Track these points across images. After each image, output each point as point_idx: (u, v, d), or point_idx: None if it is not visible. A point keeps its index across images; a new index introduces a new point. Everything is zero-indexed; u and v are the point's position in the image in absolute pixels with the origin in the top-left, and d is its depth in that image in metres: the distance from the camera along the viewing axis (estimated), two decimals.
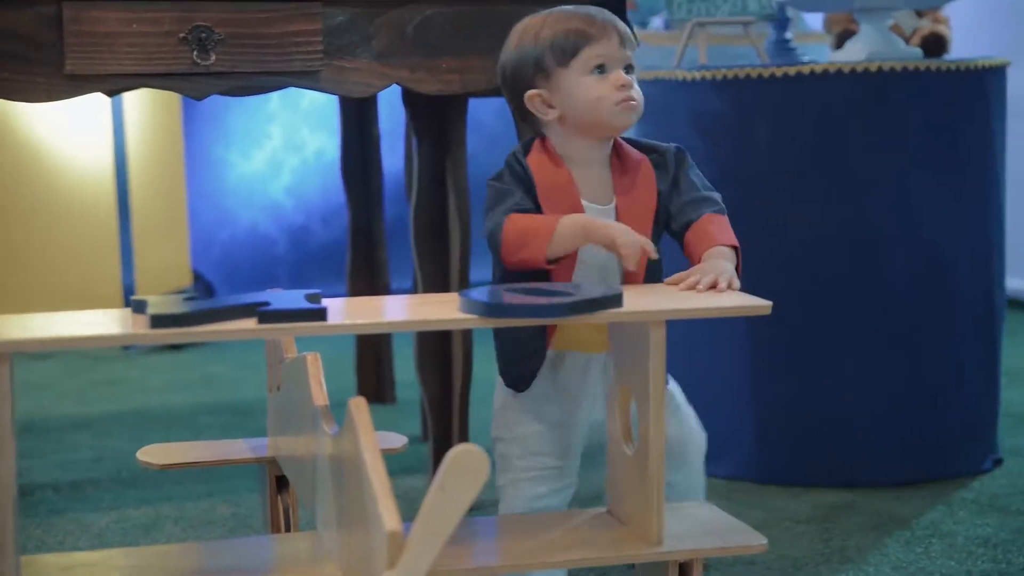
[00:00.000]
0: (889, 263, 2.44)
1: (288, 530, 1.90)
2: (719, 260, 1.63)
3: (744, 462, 2.50)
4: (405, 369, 3.12)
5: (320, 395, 1.56)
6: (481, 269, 3.52)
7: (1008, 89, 2.55)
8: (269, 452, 1.91)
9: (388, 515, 1.24)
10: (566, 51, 1.64)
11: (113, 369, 3.60)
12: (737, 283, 1.59)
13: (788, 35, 2.89)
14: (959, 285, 2.49)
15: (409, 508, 1.24)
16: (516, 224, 1.62)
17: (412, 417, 2.90)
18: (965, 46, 3.52)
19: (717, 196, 1.71)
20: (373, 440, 1.32)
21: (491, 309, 1.47)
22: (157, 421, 3.04)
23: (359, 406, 1.36)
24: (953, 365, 2.50)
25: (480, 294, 1.51)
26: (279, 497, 1.92)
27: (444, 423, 2.46)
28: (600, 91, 1.63)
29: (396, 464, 2.53)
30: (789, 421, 2.49)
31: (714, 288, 1.56)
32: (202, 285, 4.16)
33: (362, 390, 3.05)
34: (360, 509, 1.32)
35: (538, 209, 1.65)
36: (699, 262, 1.64)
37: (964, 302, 2.50)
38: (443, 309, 1.53)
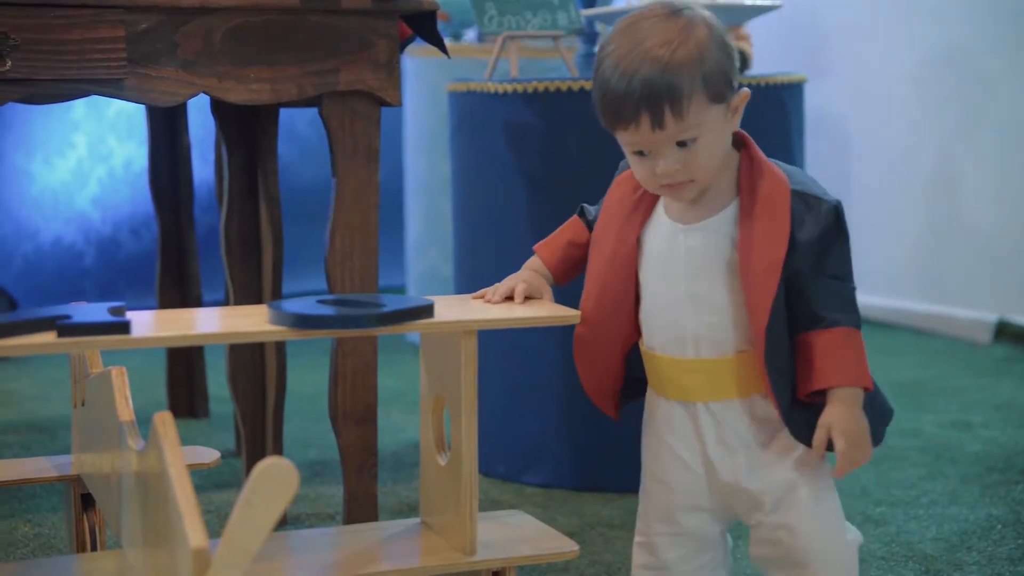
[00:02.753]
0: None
1: (94, 550, 1.85)
2: (852, 419, 1.43)
3: (558, 469, 2.53)
4: (219, 383, 3.07)
5: (126, 410, 1.52)
6: (294, 281, 3.49)
7: (806, 104, 2.65)
8: (73, 470, 1.86)
9: (193, 531, 1.22)
10: (606, 125, 1.49)
11: None
12: (869, 453, 1.45)
13: (597, 49, 2.94)
14: None
15: (223, 524, 1.22)
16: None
17: (226, 431, 2.86)
18: (766, 62, 3.63)
19: (854, 293, 1.47)
20: (179, 455, 1.30)
21: (300, 320, 1.47)
22: None
23: (164, 420, 1.34)
24: None
25: (291, 306, 1.50)
26: (84, 516, 1.87)
27: (257, 437, 2.43)
28: (642, 173, 1.48)
29: (209, 479, 2.48)
30: (601, 429, 2.53)
31: None
32: (4, 299, 4.02)
33: (173, 405, 2.99)
34: (166, 526, 1.29)
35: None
36: (819, 385, 1.43)
37: None
38: (252, 321, 1.51)
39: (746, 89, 1.46)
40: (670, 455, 1.53)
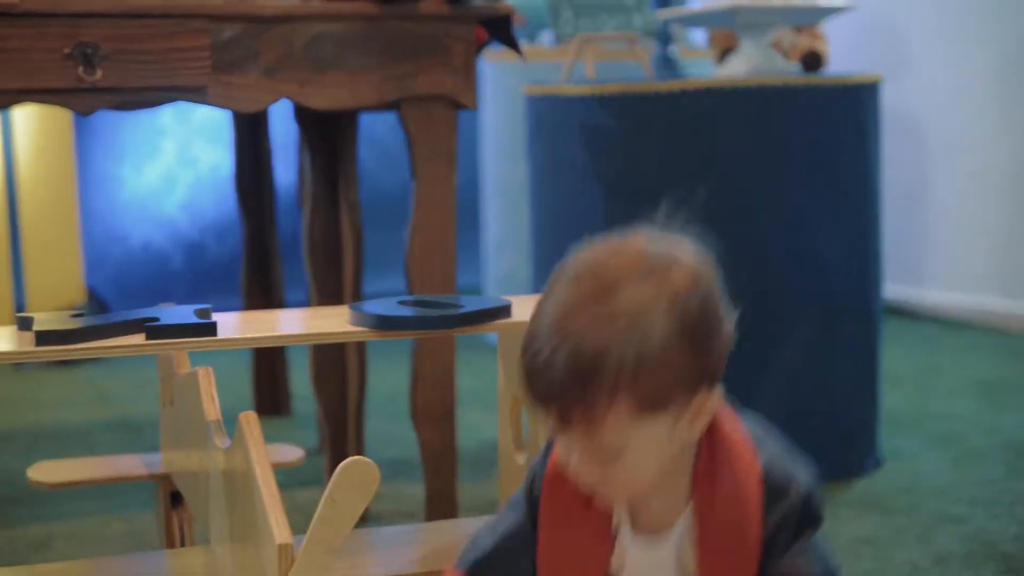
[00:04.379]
0: (769, 272, 2.49)
1: (183, 545, 1.90)
2: None
3: None
4: (302, 382, 3.13)
5: (212, 409, 1.57)
6: (375, 283, 3.53)
7: (882, 103, 2.64)
8: (163, 468, 1.91)
9: (278, 528, 1.26)
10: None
11: (4, 386, 3.55)
12: None
13: (673, 50, 2.95)
14: (838, 291, 2.55)
15: (307, 521, 1.25)
16: None
17: (309, 429, 2.91)
18: (842, 62, 3.62)
19: None
20: (264, 453, 1.34)
21: (381, 321, 1.50)
22: (49, 438, 3.00)
23: (249, 420, 1.38)
24: (834, 369, 2.56)
25: (371, 307, 1.54)
26: (173, 513, 1.92)
27: (339, 435, 2.48)
28: (565, 466, 1.12)
29: (293, 477, 2.53)
30: None
31: None
32: (95, 302, 4.11)
33: (258, 404, 3.05)
34: (252, 523, 1.33)
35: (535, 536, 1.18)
36: None
37: (843, 308, 2.56)
38: (334, 322, 1.55)
39: (716, 395, 1.08)
40: None
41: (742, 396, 2.50)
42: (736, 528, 1.08)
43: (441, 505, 2.18)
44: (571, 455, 1.08)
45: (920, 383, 3.33)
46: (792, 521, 1.09)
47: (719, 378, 1.07)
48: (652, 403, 1.03)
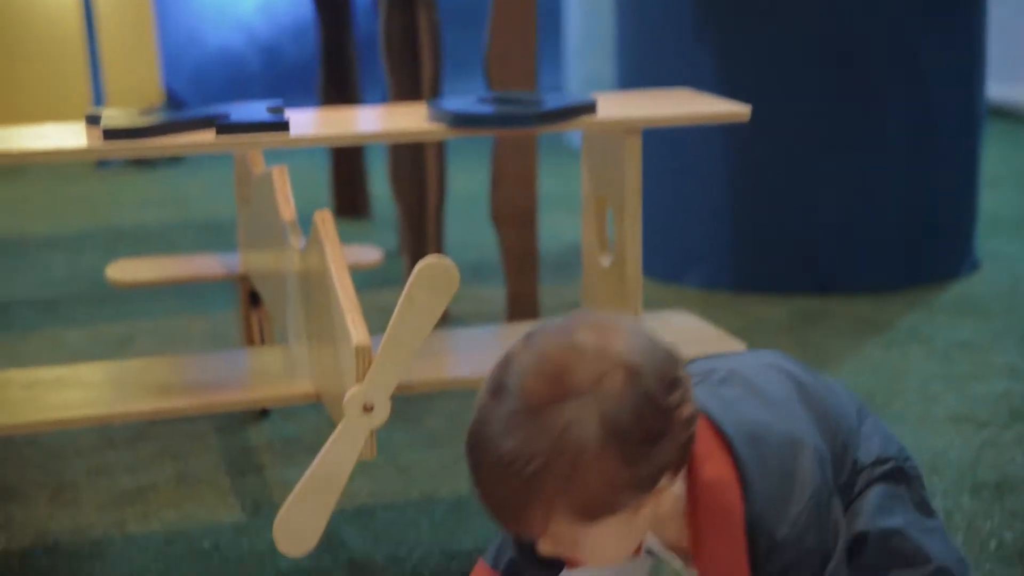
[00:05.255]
0: (867, 71, 2.39)
1: (262, 344, 1.90)
2: None
3: (719, 270, 2.49)
4: (383, 185, 3.09)
5: (288, 209, 1.53)
6: (454, 85, 3.45)
7: None
8: (241, 268, 1.89)
9: (355, 329, 1.22)
10: None
11: (85, 187, 3.56)
12: None
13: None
14: (939, 91, 2.45)
15: (387, 323, 1.21)
16: None
17: (389, 232, 2.88)
18: None
19: None
20: (340, 252, 1.30)
21: (459, 119, 1.44)
22: (129, 238, 3.01)
23: (325, 218, 1.34)
24: (932, 170, 2.47)
25: (450, 104, 1.47)
26: (253, 312, 1.91)
27: (419, 238, 2.44)
28: None
29: (373, 278, 2.51)
30: (765, 228, 2.47)
31: None
32: (174, 102, 4.09)
33: (337, 206, 3.02)
34: (328, 323, 1.30)
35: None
36: None
37: (944, 108, 2.46)
38: (411, 120, 1.49)
39: (678, 486, 1.02)
40: None
41: (834, 198, 2.43)
42: (730, 574, 1.04)
43: (523, 307, 2.16)
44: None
45: (1021, 185, 3.22)
46: (797, 567, 1.03)
47: (679, 465, 1.00)
48: (593, 514, 0.97)
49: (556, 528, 0.97)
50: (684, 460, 1.00)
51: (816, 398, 1.10)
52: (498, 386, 0.98)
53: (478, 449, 0.98)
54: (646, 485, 0.97)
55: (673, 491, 1.01)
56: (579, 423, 0.95)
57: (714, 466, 1.02)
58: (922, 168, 2.46)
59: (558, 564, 1.13)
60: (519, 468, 0.95)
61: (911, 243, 2.47)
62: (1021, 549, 1.46)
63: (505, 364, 1.00)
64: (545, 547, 1.01)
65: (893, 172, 2.44)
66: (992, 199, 2.99)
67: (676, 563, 1.11)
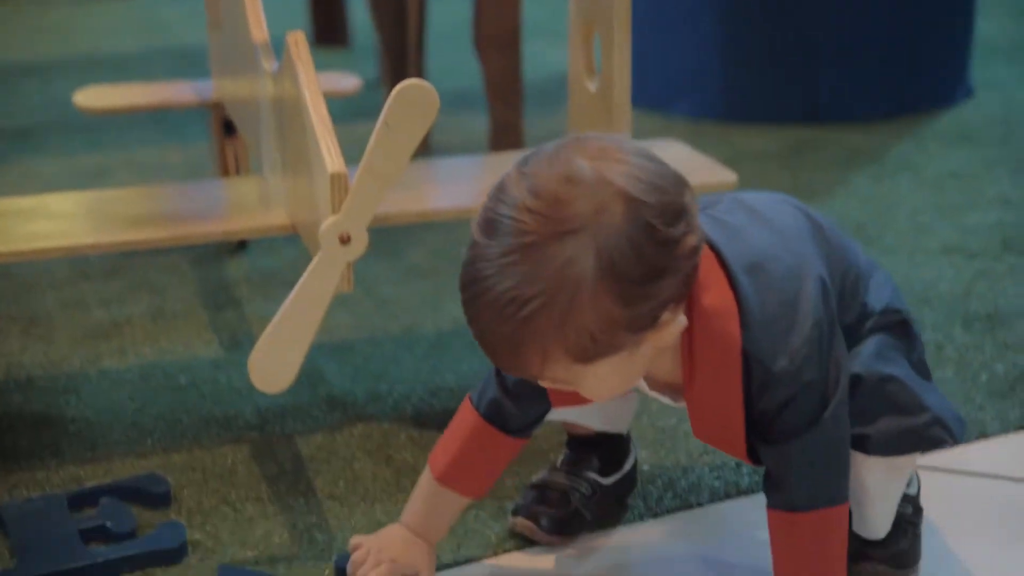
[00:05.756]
0: None
1: (237, 175, 1.85)
2: None
3: (708, 100, 2.43)
4: (363, 12, 3.00)
5: (259, 31, 1.46)
6: None
7: None
8: (214, 95, 1.83)
9: (331, 156, 1.17)
10: None
11: (57, 14, 3.45)
12: None
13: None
14: None
15: (363, 153, 1.16)
16: (453, 424, 1.17)
17: (369, 62, 2.80)
18: None
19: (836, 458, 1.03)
20: (314, 76, 1.24)
21: None
22: (105, 66, 2.92)
23: (297, 40, 1.27)
24: None
25: None
26: (227, 142, 1.86)
27: (399, 66, 2.37)
28: None
29: (350, 107, 2.44)
30: (753, 58, 2.40)
31: None
32: None
33: (316, 33, 2.93)
34: (303, 151, 1.25)
35: None
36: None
37: None
38: None
39: (681, 319, 0.96)
40: None
41: (825, 25, 2.36)
42: (721, 410, 1.01)
43: (506, 136, 2.11)
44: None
45: (1017, 11, 3.14)
46: (794, 403, 0.99)
47: (681, 298, 0.95)
48: (591, 355, 0.94)
49: (553, 368, 0.95)
50: (687, 292, 0.95)
51: (828, 235, 1.06)
52: (491, 221, 0.93)
53: (472, 288, 0.94)
54: (646, 323, 0.94)
55: (678, 323, 0.96)
56: (575, 262, 0.91)
57: (714, 295, 0.98)
58: None
59: (542, 403, 1.11)
60: (515, 311, 0.92)
61: (904, 71, 2.41)
62: (1012, 381, 1.44)
63: (497, 196, 0.94)
64: (545, 383, 0.99)
65: None
66: (988, 25, 2.91)
67: (664, 400, 1.08)
